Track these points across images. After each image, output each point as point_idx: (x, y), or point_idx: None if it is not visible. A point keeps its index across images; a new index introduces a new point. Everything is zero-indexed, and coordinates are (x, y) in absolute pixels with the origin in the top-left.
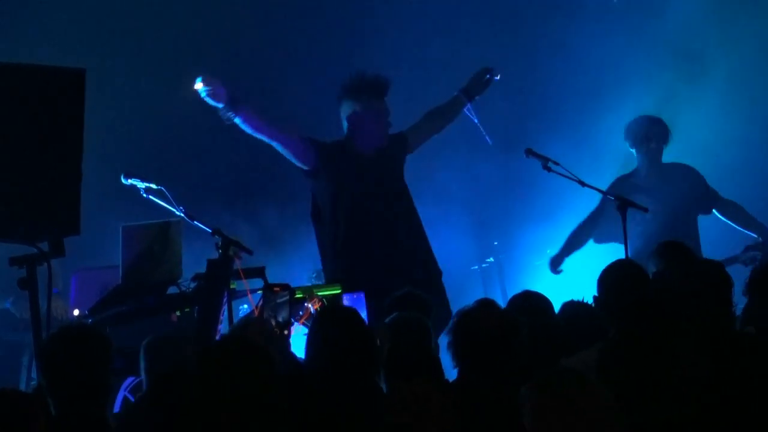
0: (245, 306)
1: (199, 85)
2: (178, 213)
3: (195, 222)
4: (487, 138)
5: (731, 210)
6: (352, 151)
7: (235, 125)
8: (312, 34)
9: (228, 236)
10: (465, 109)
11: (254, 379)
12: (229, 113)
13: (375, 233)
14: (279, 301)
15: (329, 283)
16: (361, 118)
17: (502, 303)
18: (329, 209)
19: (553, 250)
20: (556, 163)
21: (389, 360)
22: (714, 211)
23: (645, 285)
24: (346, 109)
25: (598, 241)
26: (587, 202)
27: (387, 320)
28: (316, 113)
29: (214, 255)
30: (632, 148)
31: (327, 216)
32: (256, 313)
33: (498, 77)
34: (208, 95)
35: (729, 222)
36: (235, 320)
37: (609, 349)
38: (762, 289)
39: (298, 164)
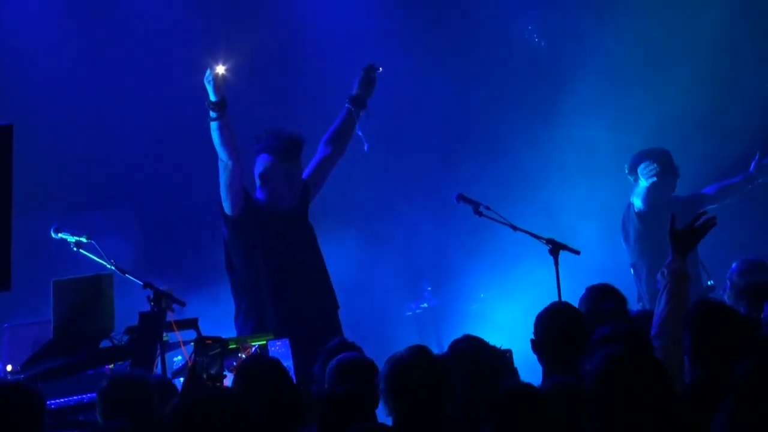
0: (179, 357)
1: (220, 69)
2: (109, 266)
3: (126, 275)
4: (365, 146)
5: (715, 194)
6: (263, 208)
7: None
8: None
9: (160, 288)
10: (357, 125)
11: None
12: (216, 112)
13: (291, 289)
14: (211, 353)
15: (254, 333)
16: (273, 178)
17: (436, 348)
18: (242, 262)
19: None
20: (488, 208)
21: (331, 405)
22: (704, 207)
23: (580, 328)
24: (259, 166)
25: None
26: (520, 247)
27: (334, 362)
28: None
29: (146, 307)
30: (656, 176)
31: (240, 267)
32: (189, 365)
33: (380, 70)
34: (214, 82)
35: (720, 202)
36: (168, 373)
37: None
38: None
39: (227, 204)
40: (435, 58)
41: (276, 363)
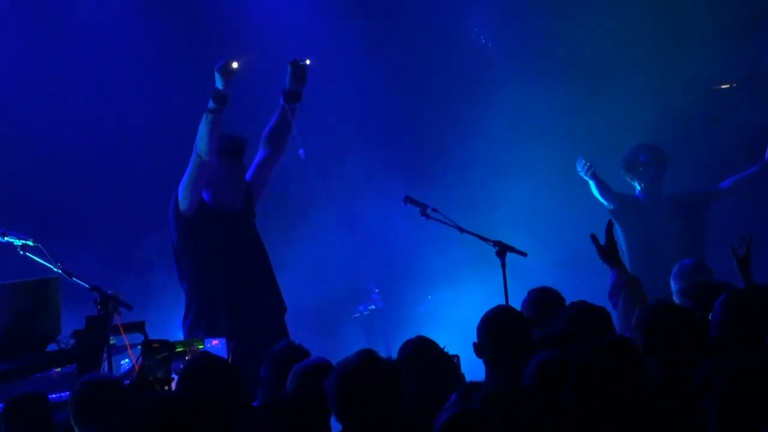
0: (126, 360)
1: (235, 64)
2: (55, 270)
3: (73, 278)
4: (300, 151)
5: (731, 186)
6: (210, 209)
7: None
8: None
9: (106, 292)
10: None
11: None
12: (217, 104)
13: (242, 292)
14: (158, 357)
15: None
16: (217, 179)
17: (384, 351)
18: (193, 264)
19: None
20: (435, 210)
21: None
22: (720, 201)
23: (523, 331)
24: None
25: None
26: (467, 249)
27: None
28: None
29: (93, 311)
30: (630, 176)
31: (189, 270)
32: (137, 369)
33: (308, 62)
34: (227, 74)
35: (736, 193)
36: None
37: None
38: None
39: (186, 202)
40: (381, 58)
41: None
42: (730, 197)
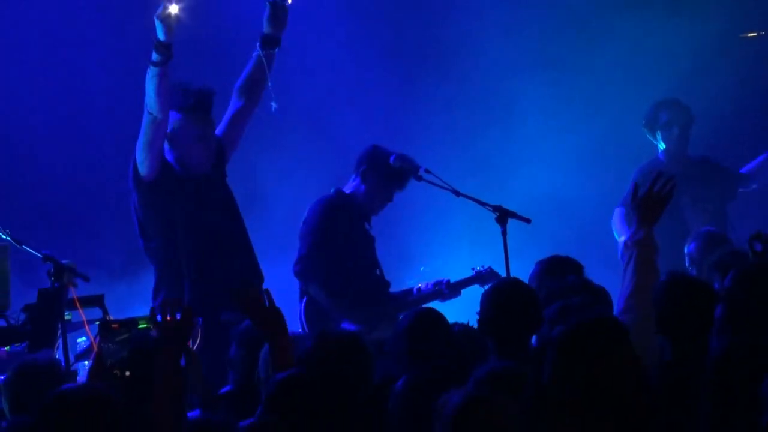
0: (83, 339)
1: (174, 8)
2: (3, 237)
3: (23, 246)
4: (273, 104)
5: (754, 171)
6: (176, 171)
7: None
8: None
9: (61, 262)
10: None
11: None
12: (161, 56)
13: (214, 260)
14: (118, 339)
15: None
16: (184, 139)
17: None
18: (158, 230)
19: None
20: (428, 171)
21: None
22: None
23: (534, 305)
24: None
25: None
26: (463, 213)
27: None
28: None
29: (46, 283)
30: (651, 135)
31: (155, 236)
32: (95, 349)
33: (289, 1)
34: (167, 23)
35: (760, 181)
36: (71, 355)
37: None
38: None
39: (144, 166)
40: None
41: None
42: (754, 184)
